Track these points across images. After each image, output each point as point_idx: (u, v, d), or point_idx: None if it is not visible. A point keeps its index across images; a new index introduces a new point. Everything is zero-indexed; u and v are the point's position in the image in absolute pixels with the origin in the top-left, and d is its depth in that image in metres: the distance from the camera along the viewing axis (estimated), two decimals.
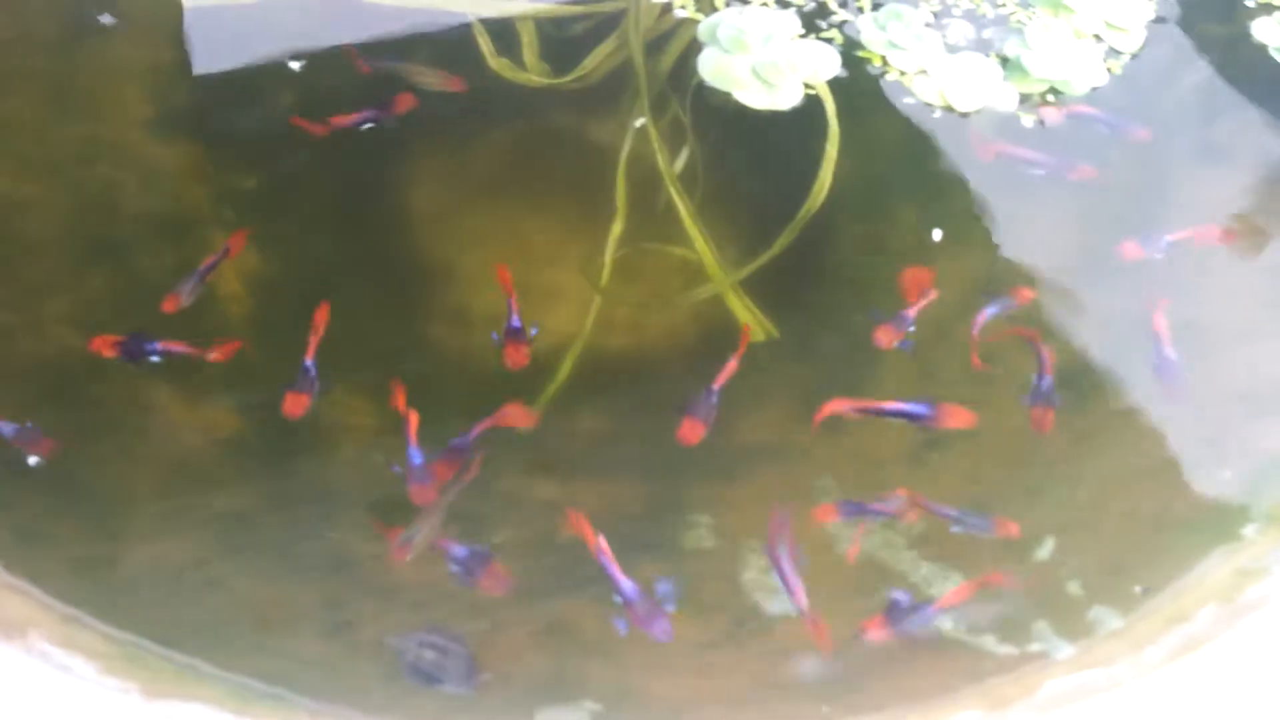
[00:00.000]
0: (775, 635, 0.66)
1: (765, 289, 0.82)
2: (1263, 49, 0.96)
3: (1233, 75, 0.94)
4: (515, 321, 0.79)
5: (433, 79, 0.88)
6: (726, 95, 0.92)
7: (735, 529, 0.72)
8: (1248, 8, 0.97)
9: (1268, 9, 0.97)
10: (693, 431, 0.75)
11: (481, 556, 0.68)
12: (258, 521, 0.68)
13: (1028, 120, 0.91)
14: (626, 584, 0.67)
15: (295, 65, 0.92)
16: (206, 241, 0.83)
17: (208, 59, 0.92)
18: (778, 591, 0.68)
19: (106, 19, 0.91)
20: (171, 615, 0.58)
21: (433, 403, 0.75)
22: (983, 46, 0.94)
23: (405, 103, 0.90)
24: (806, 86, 0.91)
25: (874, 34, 0.94)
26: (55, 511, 0.64)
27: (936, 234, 0.82)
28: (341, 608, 0.64)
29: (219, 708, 0.48)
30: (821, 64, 0.92)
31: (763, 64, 0.91)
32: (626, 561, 0.71)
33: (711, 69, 0.92)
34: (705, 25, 0.94)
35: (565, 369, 0.78)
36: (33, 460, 0.67)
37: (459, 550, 0.68)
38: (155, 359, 0.75)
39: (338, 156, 0.87)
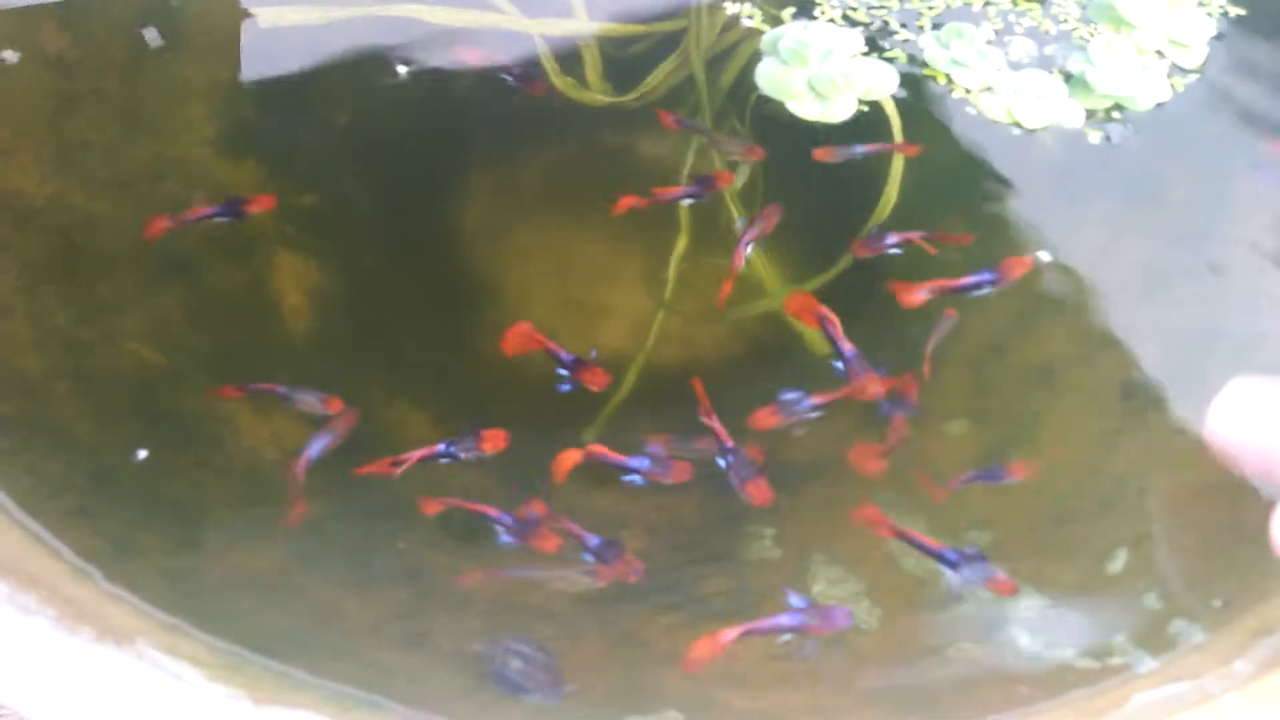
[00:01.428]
0: (852, 644, 0.66)
1: (829, 305, 0.82)
2: None
3: None
4: (566, 356, 0.78)
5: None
6: (787, 110, 0.92)
7: (798, 540, 0.72)
8: None
9: None
10: (759, 494, 0.74)
11: (615, 545, 0.69)
12: (331, 533, 0.69)
13: (1094, 137, 0.91)
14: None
15: (401, 71, 0.93)
16: (268, 257, 0.84)
17: (271, 78, 0.94)
18: (849, 601, 0.68)
19: (153, 37, 0.94)
20: (261, 624, 0.59)
21: (488, 412, 0.76)
22: (1046, 63, 0.94)
23: None
24: (861, 102, 0.91)
25: (937, 52, 0.94)
26: (139, 522, 0.65)
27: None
28: (417, 617, 0.64)
29: (321, 714, 0.49)
30: (878, 81, 0.92)
31: (819, 78, 0.92)
32: (688, 573, 0.71)
33: (768, 79, 0.93)
34: (768, 38, 0.95)
35: (628, 383, 0.79)
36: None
37: (592, 539, 0.69)
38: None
39: (399, 173, 0.89)
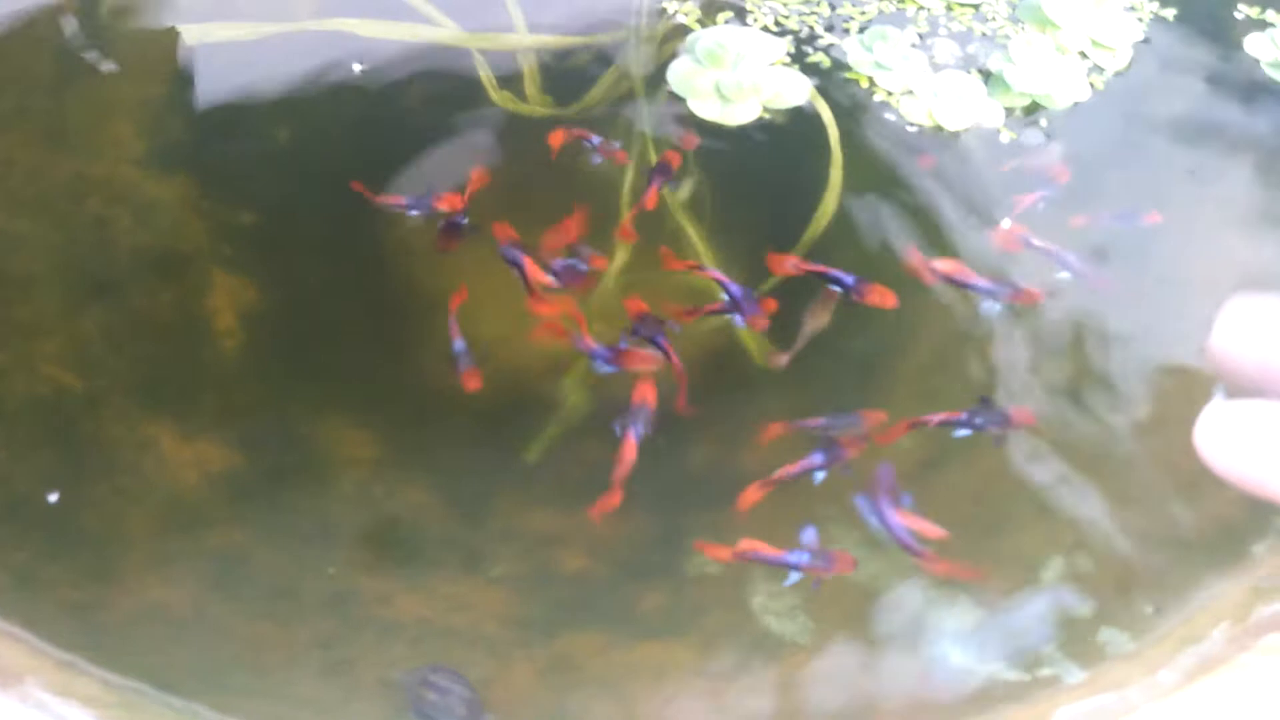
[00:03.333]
0: (788, 662, 0.65)
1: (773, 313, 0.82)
2: (1254, 65, 0.96)
3: (1220, 92, 0.95)
4: (458, 345, 0.78)
5: (673, 139, 0.88)
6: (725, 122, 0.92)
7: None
8: (1239, 21, 0.98)
9: (1261, 25, 0.97)
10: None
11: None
12: (254, 560, 0.67)
13: (1005, 137, 0.91)
14: None
15: (356, 69, 0.92)
16: (202, 277, 0.83)
17: (203, 95, 0.92)
18: (787, 615, 0.68)
19: (104, 63, 0.92)
20: (167, 659, 0.57)
21: (430, 430, 0.75)
22: (968, 63, 0.94)
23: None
24: (765, 108, 0.91)
25: (860, 55, 0.94)
26: (49, 554, 0.63)
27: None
28: (340, 646, 0.63)
29: None
30: (786, 89, 0.92)
31: (727, 81, 0.92)
32: (626, 590, 0.70)
33: (678, 76, 0.92)
34: (690, 38, 0.95)
35: (571, 399, 0.77)
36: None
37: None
38: None
39: (334, 190, 0.87)
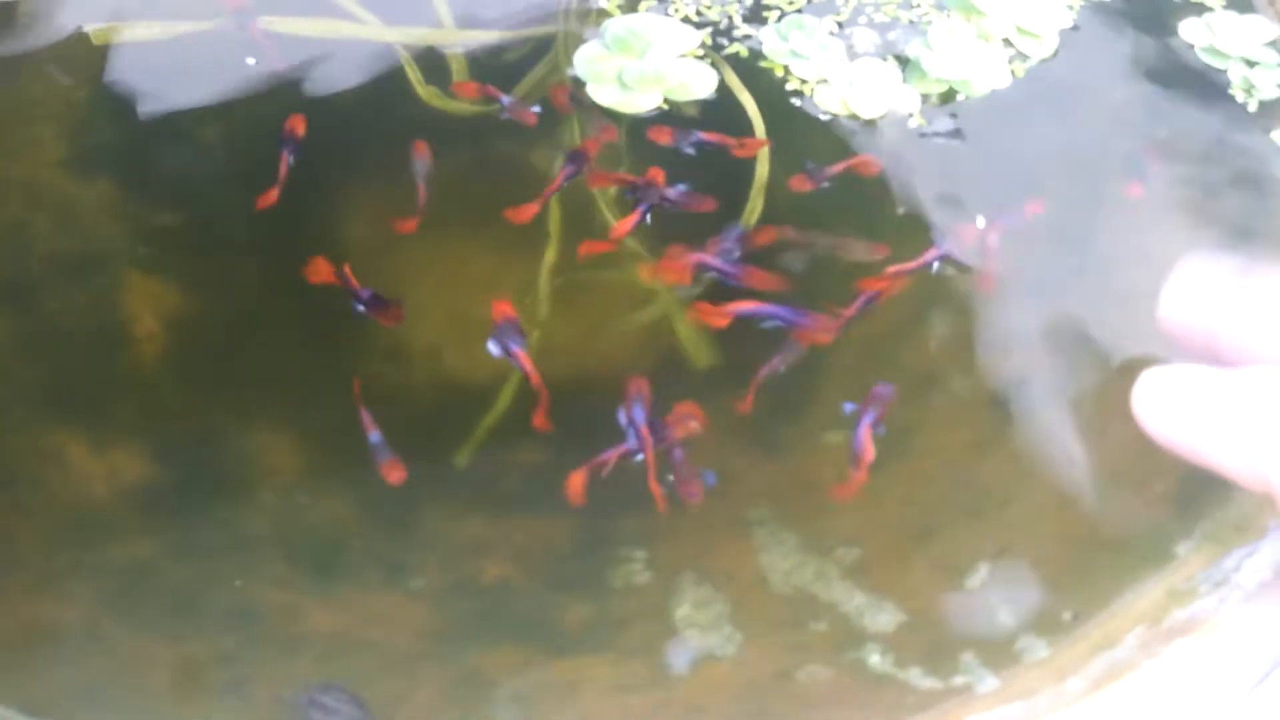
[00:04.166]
0: (703, 675, 0.64)
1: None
2: (1187, 50, 0.95)
3: (1146, 78, 0.93)
4: (364, 292, 0.78)
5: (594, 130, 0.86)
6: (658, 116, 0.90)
7: (670, 561, 0.70)
8: (1175, 6, 0.96)
9: (1198, 9, 0.96)
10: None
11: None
12: (159, 574, 0.65)
13: (914, 122, 0.89)
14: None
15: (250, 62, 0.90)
16: (120, 280, 0.81)
17: (126, 95, 0.90)
18: (712, 626, 0.66)
19: (22, 63, 0.90)
20: (44, 683, 0.55)
21: (356, 437, 0.72)
22: (887, 50, 0.93)
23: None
24: (666, 99, 0.89)
25: (776, 45, 0.92)
26: None
27: None
28: (239, 664, 0.61)
29: None
30: (692, 80, 0.90)
31: (629, 69, 0.90)
32: (549, 602, 0.68)
33: (584, 60, 0.91)
34: (605, 24, 0.93)
35: (502, 402, 0.76)
36: None
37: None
38: None
39: (261, 190, 0.85)
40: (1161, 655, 0.50)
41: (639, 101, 0.89)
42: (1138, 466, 0.71)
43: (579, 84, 0.90)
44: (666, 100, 0.89)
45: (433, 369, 0.79)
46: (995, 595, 0.64)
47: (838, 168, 0.85)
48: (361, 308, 0.77)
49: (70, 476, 0.70)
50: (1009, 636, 0.60)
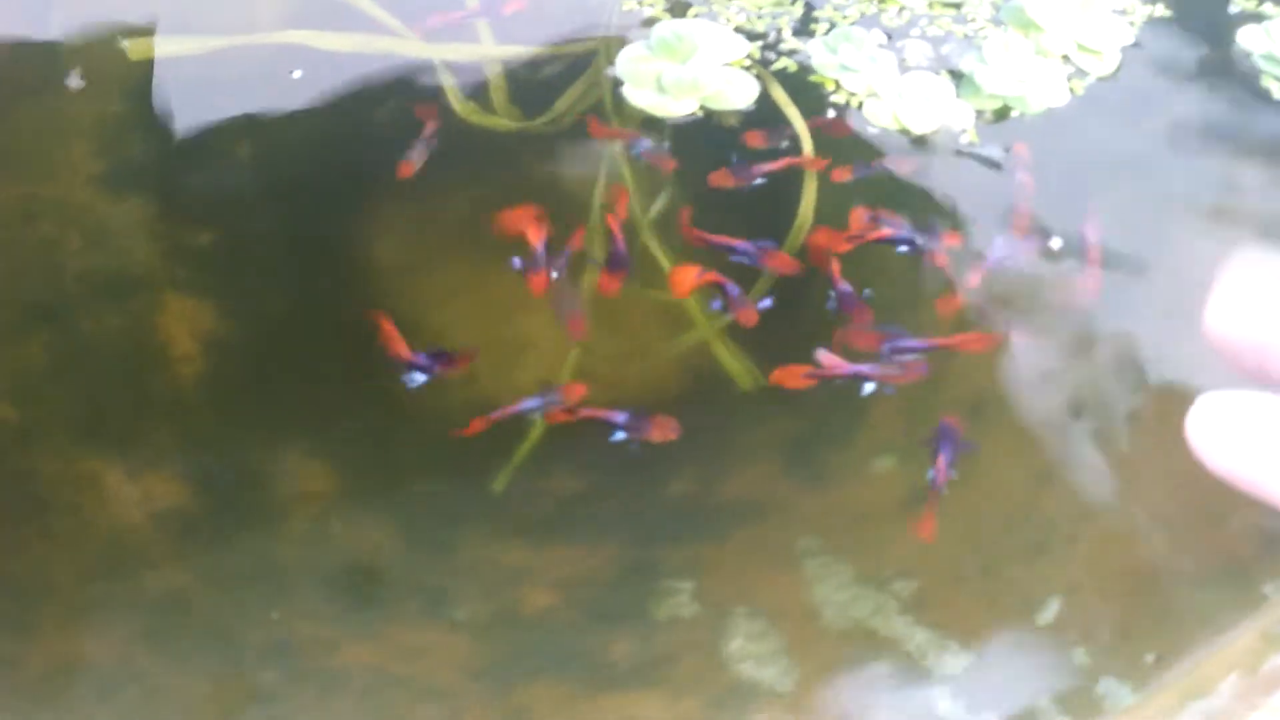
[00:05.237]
0: (764, 712, 0.61)
1: (751, 334, 0.78)
2: (1245, 58, 0.92)
3: (1208, 95, 0.91)
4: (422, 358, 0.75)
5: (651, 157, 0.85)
6: (705, 130, 0.88)
7: (717, 594, 0.67)
8: (1233, 15, 0.94)
9: (1257, 17, 0.93)
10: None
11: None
12: (193, 606, 0.63)
13: (966, 139, 0.87)
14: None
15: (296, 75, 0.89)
16: (155, 301, 0.79)
17: (160, 112, 0.89)
18: (766, 661, 0.64)
19: (74, 81, 0.89)
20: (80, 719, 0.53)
21: (394, 461, 0.71)
22: (940, 65, 0.90)
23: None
24: (702, 106, 0.87)
25: (825, 57, 0.90)
26: None
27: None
28: (278, 701, 0.58)
29: None
30: (732, 91, 0.88)
31: (670, 74, 0.88)
32: (592, 633, 0.66)
33: (626, 62, 0.89)
34: (654, 27, 0.91)
35: (539, 426, 0.74)
36: None
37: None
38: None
39: (297, 208, 0.84)
40: (1264, 708, 0.47)
41: (675, 107, 0.88)
42: (1212, 500, 0.68)
43: (617, 83, 0.89)
44: (703, 107, 0.88)
45: (468, 393, 0.77)
46: (1068, 634, 0.61)
47: (772, 166, 0.83)
48: (423, 375, 0.74)
49: (105, 502, 0.68)
50: (1088, 680, 0.57)
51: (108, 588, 0.63)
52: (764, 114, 0.88)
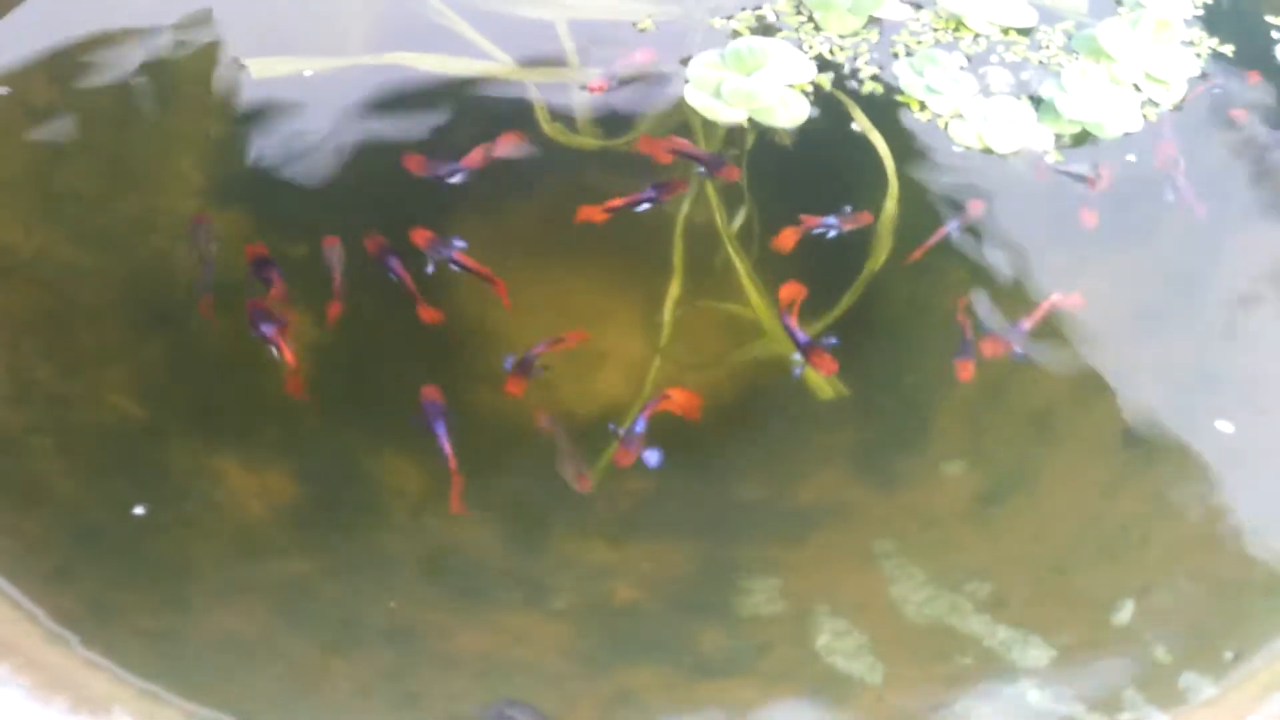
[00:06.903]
0: (858, 702, 0.64)
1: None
2: None
3: (1271, 124, 0.94)
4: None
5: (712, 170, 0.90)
6: (784, 149, 0.92)
7: (798, 592, 0.70)
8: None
9: None
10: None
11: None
12: (317, 590, 0.67)
13: (1050, 159, 0.91)
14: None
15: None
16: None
17: (264, 128, 0.93)
18: (854, 654, 0.66)
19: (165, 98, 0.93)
20: (243, 688, 0.57)
21: (482, 466, 0.74)
22: (1019, 90, 0.95)
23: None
24: (749, 119, 0.92)
25: (911, 79, 0.95)
26: (120, 582, 0.64)
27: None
28: (406, 679, 0.62)
29: None
30: (783, 110, 0.93)
31: (729, 81, 0.94)
32: (681, 625, 0.69)
33: (695, 69, 0.95)
34: (735, 40, 0.97)
35: (624, 429, 0.77)
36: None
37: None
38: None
39: (390, 222, 0.87)
40: None
41: (724, 113, 0.93)
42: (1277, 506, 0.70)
43: (683, 81, 0.94)
44: (751, 119, 0.93)
45: (558, 397, 0.79)
46: (1147, 632, 0.64)
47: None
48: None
49: (232, 494, 0.72)
50: (1169, 674, 0.60)
51: (242, 571, 0.67)
52: (813, 133, 0.92)
